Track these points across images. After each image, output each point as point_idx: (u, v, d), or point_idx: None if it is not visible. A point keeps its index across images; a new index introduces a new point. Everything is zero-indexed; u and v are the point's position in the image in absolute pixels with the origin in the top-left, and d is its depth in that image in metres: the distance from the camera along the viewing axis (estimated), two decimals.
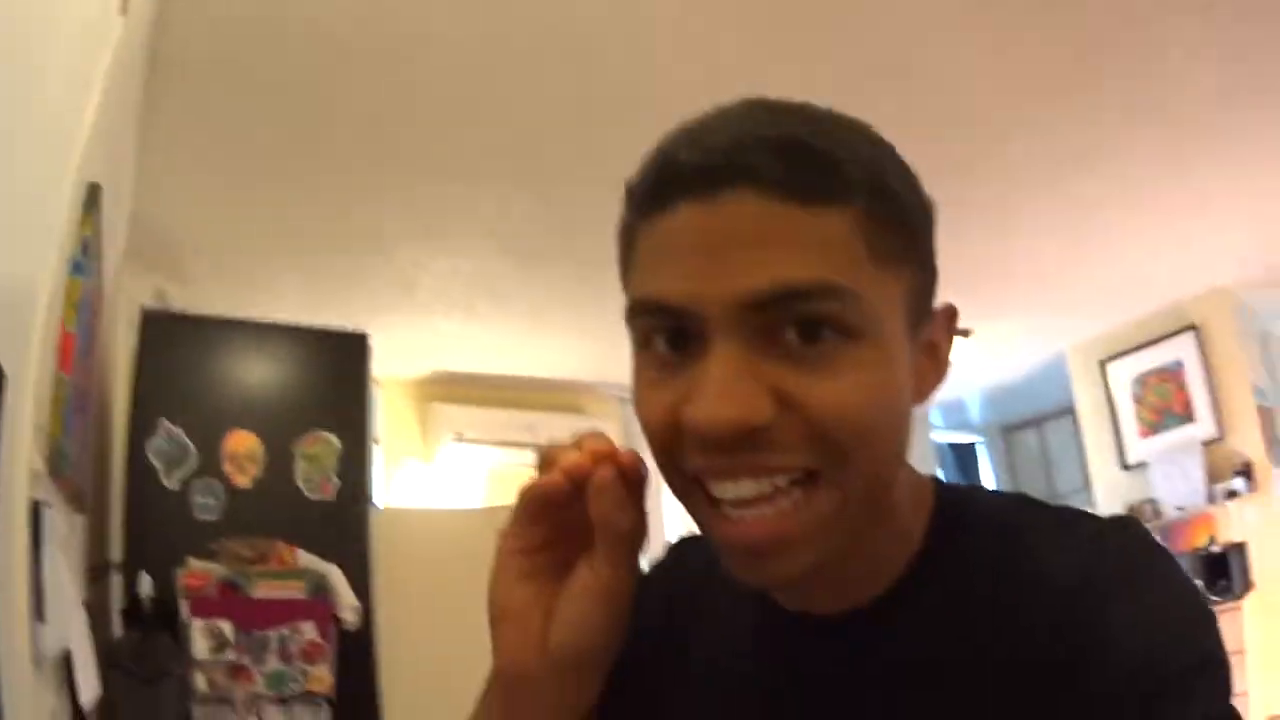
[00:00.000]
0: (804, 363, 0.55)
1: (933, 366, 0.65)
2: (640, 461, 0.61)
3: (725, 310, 0.55)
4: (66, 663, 1.50)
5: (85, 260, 1.78)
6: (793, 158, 0.55)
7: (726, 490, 0.57)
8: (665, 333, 0.58)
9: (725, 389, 0.54)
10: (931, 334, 0.65)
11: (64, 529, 1.60)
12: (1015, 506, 0.69)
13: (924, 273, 0.62)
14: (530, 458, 4.87)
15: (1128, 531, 0.64)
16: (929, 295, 0.64)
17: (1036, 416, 8.34)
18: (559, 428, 5.06)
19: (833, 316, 0.55)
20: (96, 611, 1.85)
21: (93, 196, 1.80)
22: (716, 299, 0.55)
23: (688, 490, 0.60)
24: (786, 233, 0.54)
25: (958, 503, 0.69)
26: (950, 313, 0.66)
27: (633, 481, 0.61)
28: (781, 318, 0.55)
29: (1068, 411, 6.87)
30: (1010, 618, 0.62)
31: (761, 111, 0.59)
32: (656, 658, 0.76)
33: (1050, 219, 4.29)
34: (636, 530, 0.62)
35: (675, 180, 0.57)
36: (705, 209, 0.55)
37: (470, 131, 2.82)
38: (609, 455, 0.60)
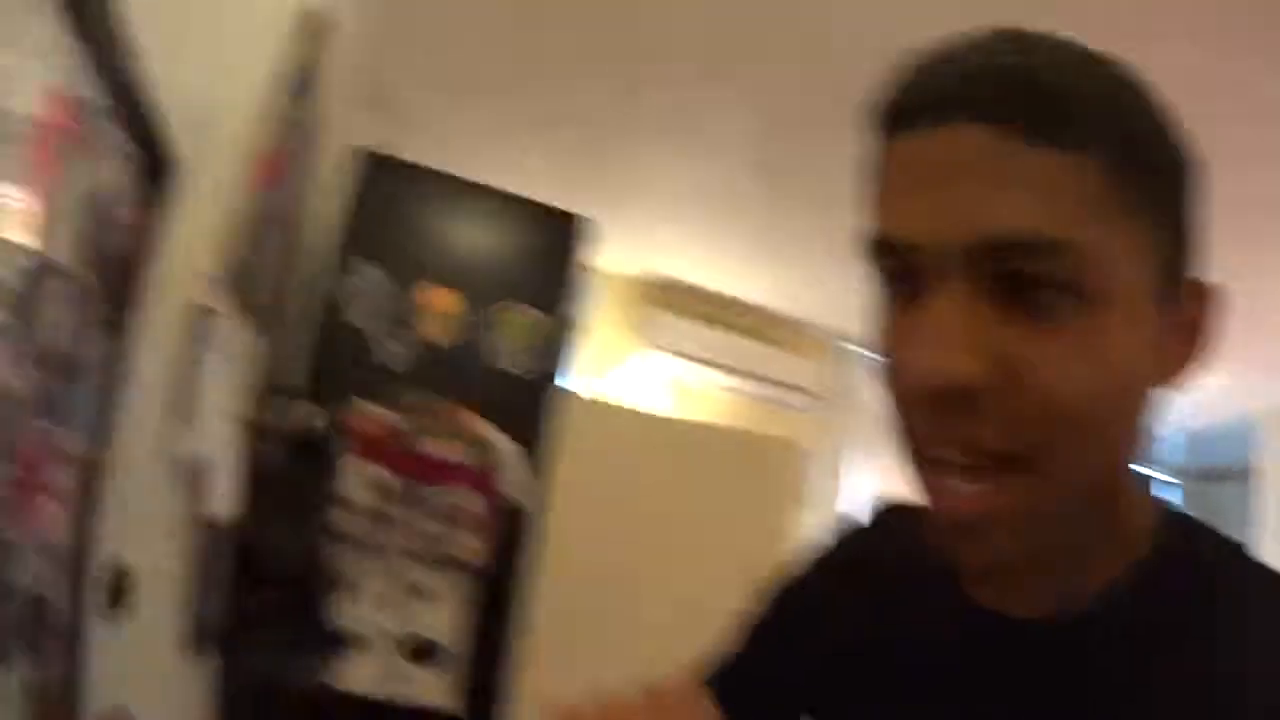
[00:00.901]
0: (1030, 324, 0.51)
1: (1186, 350, 0.57)
2: None
3: (938, 251, 0.51)
4: (206, 474, 1.53)
5: (301, 88, 1.79)
6: (1022, 93, 0.50)
7: (934, 451, 0.54)
8: (893, 273, 0.55)
9: (936, 340, 0.51)
10: (1187, 310, 0.57)
11: (235, 343, 1.63)
12: (1243, 553, 0.61)
13: (1170, 234, 0.55)
14: (725, 380, 4.77)
15: None
16: (1180, 262, 0.56)
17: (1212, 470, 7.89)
18: (762, 359, 4.92)
19: (1054, 274, 0.50)
20: (260, 434, 1.89)
21: (317, 28, 1.79)
22: (929, 237, 0.52)
23: (911, 450, 0.57)
24: (1007, 172, 0.50)
25: (1183, 527, 0.62)
26: (1212, 290, 0.58)
27: None
28: (1000, 268, 0.50)
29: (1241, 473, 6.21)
30: (1220, 674, 0.54)
31: (1005, 42, 0.54)
32: (850, 644, 0.73)
33: None
34: None
35: (905, 111, 0.54)
36: (928, 141, 0.52)
37: (745, 35, 2.66)
38: None
